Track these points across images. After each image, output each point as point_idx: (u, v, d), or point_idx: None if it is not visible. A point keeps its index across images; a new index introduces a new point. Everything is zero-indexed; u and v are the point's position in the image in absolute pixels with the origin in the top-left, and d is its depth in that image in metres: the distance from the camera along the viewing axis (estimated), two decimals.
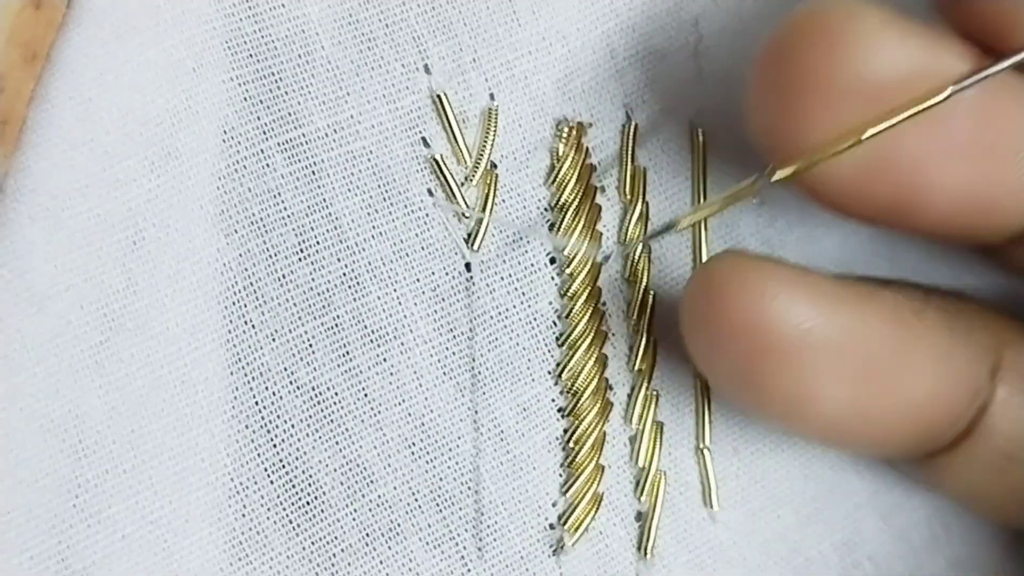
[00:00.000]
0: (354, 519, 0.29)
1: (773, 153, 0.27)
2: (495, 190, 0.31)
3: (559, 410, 0.31)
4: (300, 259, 0.29)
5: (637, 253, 0.32)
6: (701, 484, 0.32)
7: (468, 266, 0.30)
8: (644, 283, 0.32)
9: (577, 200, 0.31)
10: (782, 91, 0.26)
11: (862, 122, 0.25)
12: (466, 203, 0.30)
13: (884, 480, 0.33)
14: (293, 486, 0.28)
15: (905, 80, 0.25)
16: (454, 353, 0.30)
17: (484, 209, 0.31)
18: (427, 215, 0.30)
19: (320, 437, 0.28)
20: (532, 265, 0.31)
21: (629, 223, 0.32)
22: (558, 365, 0.31)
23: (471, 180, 0.31)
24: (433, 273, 0.30)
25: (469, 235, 0.31)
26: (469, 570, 0.30)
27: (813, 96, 0.26)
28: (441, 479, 0.29)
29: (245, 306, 0.28)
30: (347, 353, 0.29)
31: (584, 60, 0.32)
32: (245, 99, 0.28)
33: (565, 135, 0.31)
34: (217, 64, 0.28)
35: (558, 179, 0.31)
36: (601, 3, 0.32)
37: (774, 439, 0.33)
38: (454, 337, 0.30)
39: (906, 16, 0.26)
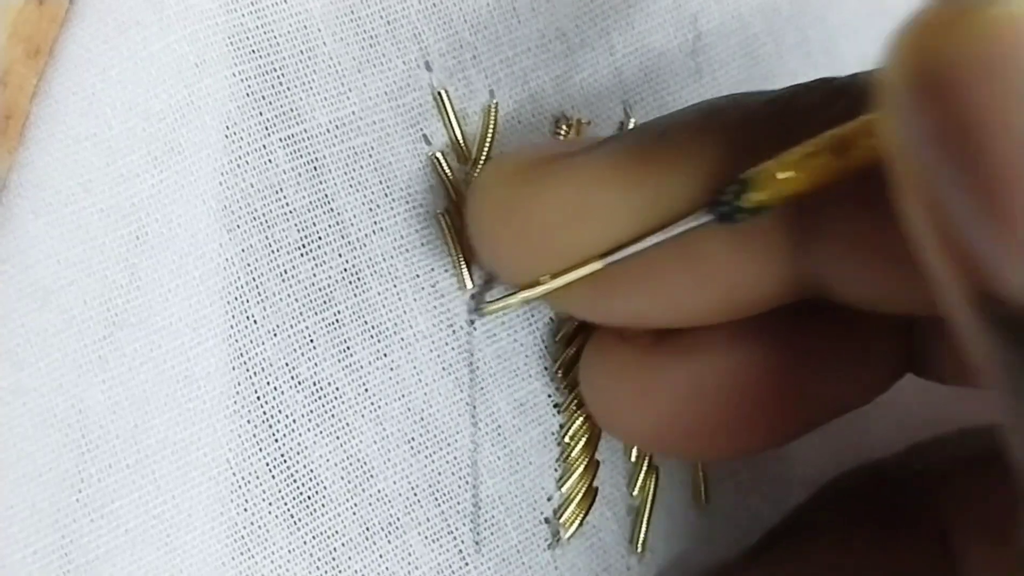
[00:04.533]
0: (354, 513, 0.29)
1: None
2: None
3: (555, 406, 0.31)
4: (302, 254, 0.29)
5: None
6: (692, 479, 0.33)
7: (468, 264, 0.30)
8: None
9: None
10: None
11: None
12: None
13: None
14: (294, 480, 0.28)
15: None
16: (453, 349, 0.30)
17: None
18: (427, 212, 0.30)
19: (321, 432, 0.28)
20: None
21: None
22: (555, 361, 0.31)
23: (472, 176, 0.31)
24: (433, 269, 0.30)
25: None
26: (467, 563, 0.30)
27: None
28: (440, 474, 0.30)
29: (247, 301, 0.28)
30: (348, 348, 0.29)
31: (583, 57, 0.32)
32: (248, 95, 0.28)
33: (564, 132, 0.32)
34: (220, 60, 0.28)
35: None
36: (600, 0, 0.32)
37: None
38: (453, 333, 0.30)
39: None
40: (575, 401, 0.31)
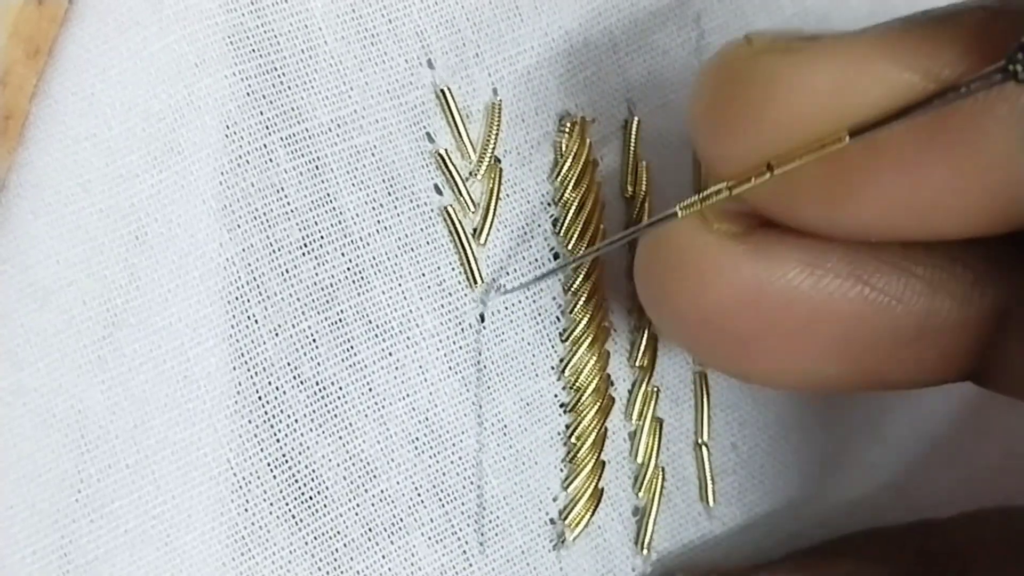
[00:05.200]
0: (357, 514, 0.29)
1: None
2: (500, 185, 0.31)
3: (561, 406, 0.31)
4: (304, 254, 0.29)
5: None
6: (698, 480, 0.32)
7: (475, 260, 0.30)
8: None
9: (580, 195, 0.31)
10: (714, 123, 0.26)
11: (772, 156, 0.24)
12: (471, 198, 0.30)
13: (880, 478, 0.33)
14: (296, 481, 0.28)
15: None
16: (460, 348, 0.30)
17: (489, 204, 0.31)
18: (432, 210, 0.30)
19: (323, 432, 0.28)
20: (536, 260, 0.31)
21: (632, 218, 0.32)
22: (561, 361, 0.31)
23: (476, 175, 0.31)
24: (439, 268, 0.30)
25: (475, 230, 0.31)
26: (471, 564, 0.30)
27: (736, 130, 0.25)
28: (444, 474, 0.30)
29: (248, 301, 0.28)
30: (351, 348, 0.29)
31: (586, 55, 0.32)
32: (248, 94, 0.28)
33: (568, 130, 0.31)
34: (220, 59, 0.28)
35: (562, 174, 0.31)
36: None
37: (772, 435, 0.33)
38: (461, 332, 0.30)
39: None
40: (581, 399, 0.31)
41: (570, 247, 0.31)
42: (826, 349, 0.27)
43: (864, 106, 0.23)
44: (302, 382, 0.28)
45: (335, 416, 0.29)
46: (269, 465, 0.28)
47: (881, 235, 0.25)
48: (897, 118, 0.22)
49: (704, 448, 0.32)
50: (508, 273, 0.31)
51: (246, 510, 0.28)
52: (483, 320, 0.30)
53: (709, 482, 0.32)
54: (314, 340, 0.29)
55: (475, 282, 0.30)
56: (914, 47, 0.23)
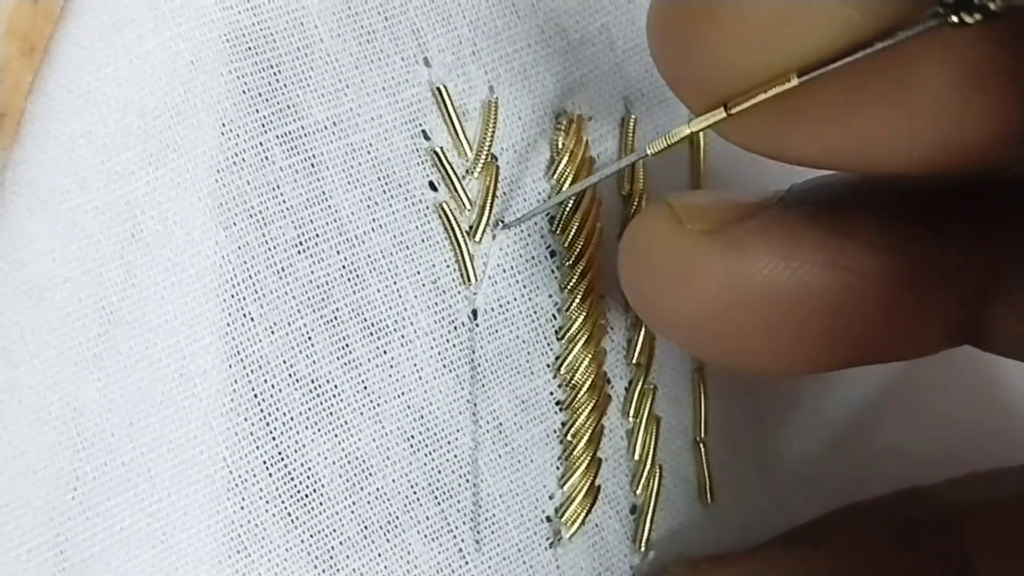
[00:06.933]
0: (352, 512, 0.29)
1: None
2: (496, 182, 0.31)
3: (557, 403, 0.31)
4: (299, 252, 0.29)
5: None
6: (697, 478, 0.32)
7: (470, 258, 0.30)
8: None
9: (577, 193, 0.31)
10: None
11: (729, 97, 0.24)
12: (467, 195, 0.30)
13: (882, 477, 0.33)
14: (292, 479, 0.28)
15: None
16: (454, 345, 0.30)
17: (486, 201, 0.31)
18: (428, 207, 0.30)
19: (319, 430, 0.28)
20: (533, 258, 0.31)
21: (629, 215, 0.32)
22: (557, 358, 0.31)
23: (472, 172, 0.30)
24: (434, 265, 0.30)
25: (471, 227, 0.31)
26: (467, 562, 0.30)
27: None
28: (440, 472, 0.30)
29: (244, 299, 0.28)
30: (346, 345, 0.29)
31: (583, 53, 0.32)
32: (244, 92, 0.28)
33: (565, 127, 0.31)
34: (215, 57, 0.28)
35: (558, 172, 0.31)
36: None
37: (770, 432, 0.33)
38: (455, 329, 0.30)
39: None
40: (577, 396, 0.31)
41: (567, 245, 0.31)
42: (814, 334, 0.27)
43: (807, 43, 0.23)
44: (297, 380, 0.28)
45: (330, 414, 0.28)
46: (265, 463, 0.28)
47: (827, 165, 0.26)
48: (838, 61, 0.23)
49: (702, 445, 0.32)
50: (504, 271, 0.31)
51: (242, 508, 0.28)
52: (476, 317, 0.30)
53: (707, 480, 0.32)
54: (309, 338, 0.28)
55: (469, 280, 0.30)
56: None
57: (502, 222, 0.31)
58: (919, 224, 0.27)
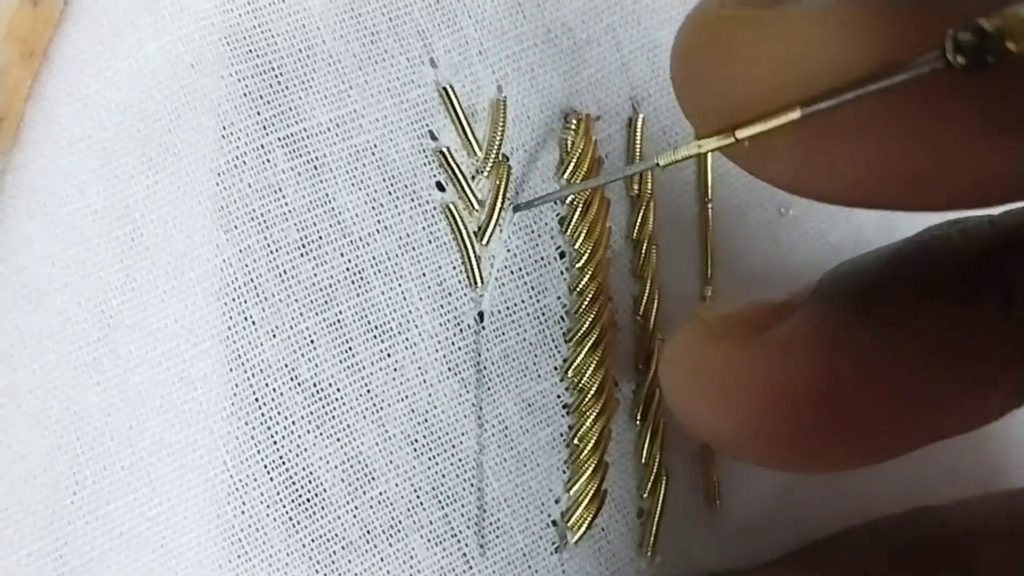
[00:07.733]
0: (355, 516, 0.28)
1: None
2: (507, 182, 0.31)
3: (564, 407, 0.31)
4: (302, 254, 0.28)
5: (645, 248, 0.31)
6: (704, 483, 0.32)
7: (477, 260, 0.30)
8: (652, 279, 0.32)
9: (587, 194, 0.31)
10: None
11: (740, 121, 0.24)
12: (476, 196, 0.30)
13: (891, 489, 0.32)
14: (293, 483, 0.28)
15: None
16: (460, 348, 0.30)
17: (496, 202, 0.30)
18: (434, 208, 0.30)
19: (321, 433, 0.28)
20: (542, 259, 0.31)
21: (637, 217, 0.32)
22: (565, 361, 0.31)
23: (483, 172, 0.30)
24: (440, 267, 0.30)
25: (479, 228, 0.30)
26: (471, 567, 0.29)
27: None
28: (444, 476, 0.29)
29: (245, 302, 0.28)
30: (350, 349, 0.29)
31: (590, 53, 0.32)
32: (245, 94, 0.28)
33: (574, 127, 0.31)
34: (215, 60, 0.28)
35: (568, 172, 0.31)
36: None
37: None
38: (460, 332, 0.30)
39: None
40: (584, 400, 0.31)
41: (576, 246, 0.31)
42: (870, 424, 0.26)
43: (814, 80, 0.23)
44: (300, 384, 0.28)
45: (333, 418, 0.28)
46: (266, 467, 0.28)
47: (842, 200, 0.25)
48: (841, 95, 0.23)
49: (710, 451, 0.32)
50: (512, 272, 0.30)
51: (243, 512, 0.28)
52: (482, 319, 0.30)
53: (715, 484, 0.32)
54: (312, 341, 0.28)
55: (476, 282, 0.30)
56: (864, 23, 0.23)
57: (516, 206, 0.30)
58: (956, 300, 0.26)
